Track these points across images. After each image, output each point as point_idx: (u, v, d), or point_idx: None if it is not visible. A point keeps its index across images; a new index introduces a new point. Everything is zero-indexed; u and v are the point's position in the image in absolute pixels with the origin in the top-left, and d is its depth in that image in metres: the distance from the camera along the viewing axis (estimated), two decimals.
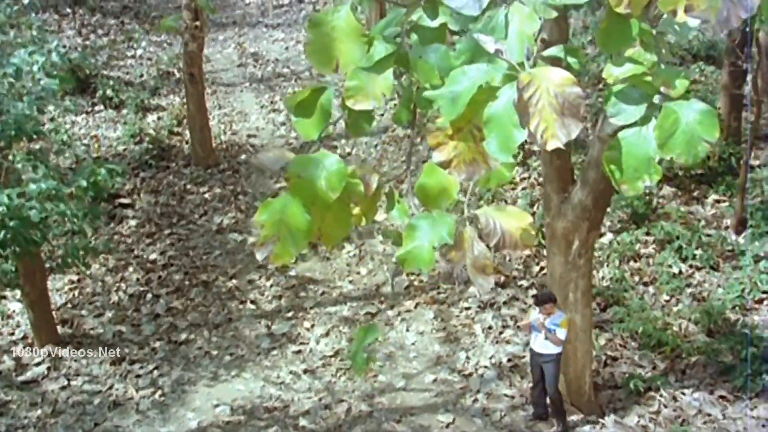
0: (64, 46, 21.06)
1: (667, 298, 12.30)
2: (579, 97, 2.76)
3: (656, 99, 3.41)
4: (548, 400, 10.02)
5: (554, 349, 9.59)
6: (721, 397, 10.56)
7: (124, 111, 17.57)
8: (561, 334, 9.46)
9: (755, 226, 13.22)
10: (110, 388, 10.79)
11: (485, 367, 11.10)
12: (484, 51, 3.05)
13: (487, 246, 3.25)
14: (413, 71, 3.39)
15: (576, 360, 9.99)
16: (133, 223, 14.12)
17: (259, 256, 3.47)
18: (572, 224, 9.41)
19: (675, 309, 11.99)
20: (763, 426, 10.11)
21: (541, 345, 9.60)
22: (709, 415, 10.31)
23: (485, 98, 2.86)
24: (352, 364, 3.43)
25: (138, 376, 11.00)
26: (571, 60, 3.52)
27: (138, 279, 12.84)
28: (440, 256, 3.21)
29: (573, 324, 9.74)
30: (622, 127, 3.34)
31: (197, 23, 14.92)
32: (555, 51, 3.42)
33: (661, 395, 10.59)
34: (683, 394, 10.62)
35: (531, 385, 10.24)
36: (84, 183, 8.47)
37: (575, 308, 9.85)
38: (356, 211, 3.84)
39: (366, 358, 3.43)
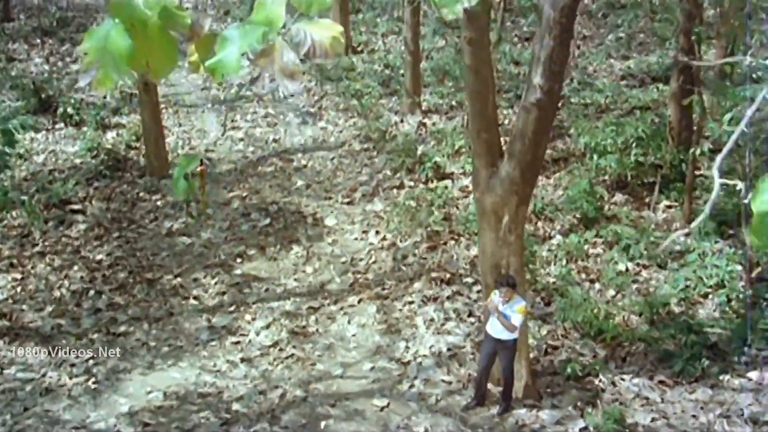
0: (31, 72, 21.32)
1: (613, 293, 12.26)
2: None
3: None
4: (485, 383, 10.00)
5: (510, 336, 9.51)
6: (661, 382, 10.49)
7: (84, 128, 17.61)
8: (516, 320, 9.37)
9: (702, 227, 13.24)
10: (43, 376, 10.63)
11: (424, 355, 10.99)
12: None
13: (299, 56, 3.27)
14: None
15: None
16: (82, 226, 14.04)
17: (82, 83, 3.48)
18: (501, 199, 9.41)
19: (620, 303, 11.94)
20: (701, 408, 10.02)
21: (498, 330, 9.50)
22: (648, 399, 10.22)
23: None
24: (174, 189, 3.42)
25: (72, 365, 10.83)
26: None
27: (82, 277, 12.73)
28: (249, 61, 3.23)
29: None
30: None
31: None
32: None
33: (600, 380, 10.50)
34: (622, 379, 10.55)
35: (477, 370, 10.13)
36: None
37: None
38: (194, 58, 3.87)
39: (187, 183, 3.41)
